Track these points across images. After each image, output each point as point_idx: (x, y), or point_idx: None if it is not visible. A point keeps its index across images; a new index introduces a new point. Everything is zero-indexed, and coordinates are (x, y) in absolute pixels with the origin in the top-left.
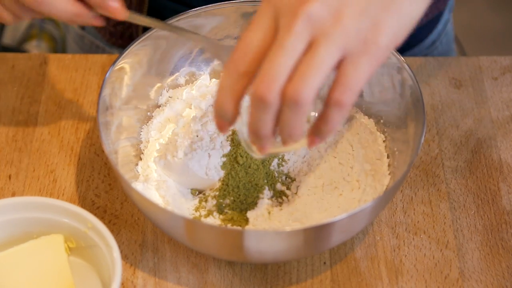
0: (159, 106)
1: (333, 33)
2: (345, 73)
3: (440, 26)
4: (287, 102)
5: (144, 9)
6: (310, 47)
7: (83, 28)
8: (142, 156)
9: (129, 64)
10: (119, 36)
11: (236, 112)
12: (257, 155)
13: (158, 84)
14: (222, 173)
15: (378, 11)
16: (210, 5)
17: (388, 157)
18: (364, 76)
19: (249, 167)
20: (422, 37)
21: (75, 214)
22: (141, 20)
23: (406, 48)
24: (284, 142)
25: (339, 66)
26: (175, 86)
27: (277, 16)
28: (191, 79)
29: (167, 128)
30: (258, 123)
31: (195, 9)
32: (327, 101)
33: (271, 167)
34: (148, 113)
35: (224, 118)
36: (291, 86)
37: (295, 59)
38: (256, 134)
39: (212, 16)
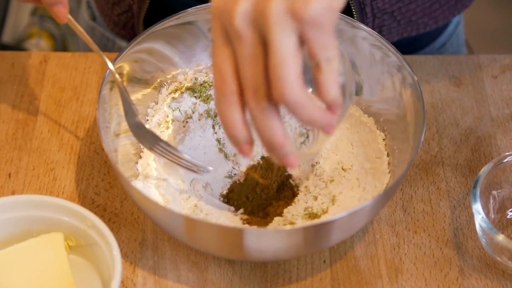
0: (158, 104)
1: (270, 22)
2: (312, 45)
3: (450, 28)
4: (284, 105)
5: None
6: (266, 40)
7: (94, 19)
8: (142, 154)
9: (129, 62)
10: (122, 26)
11: (249, 131)
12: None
13: (158, 82)
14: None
15: None
16: None
17: (388, 155)
18: (327, 38)
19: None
20: (432, 38)
21: (75, 212)
22: (77, 28)
23: (416, 49)
24: (318, 128)
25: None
26: (175, 83)
27: (225, 29)
28: (191, 76)
29: (166, 126)
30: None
31: (206, 4)
32: (313, 67)
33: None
34: (148, 111)
35: (242, 143)
36: (275, 93)
37: (259, 61)
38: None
39: None
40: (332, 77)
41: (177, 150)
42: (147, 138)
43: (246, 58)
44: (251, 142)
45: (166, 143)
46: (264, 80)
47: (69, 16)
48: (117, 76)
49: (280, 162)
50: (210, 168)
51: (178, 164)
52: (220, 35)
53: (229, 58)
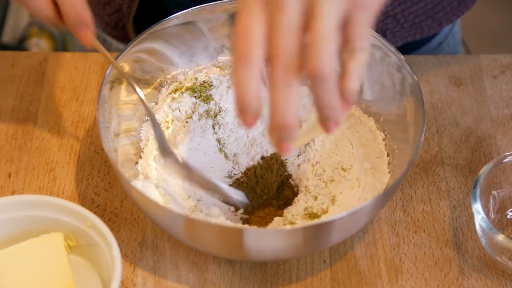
0: (158, 104)
1: None
2: (353, 26)
3: (447, 27)
4: (314, 80)
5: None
6: (309, 16)
7: None
8: (142, 154)
9: (129, 62)
10: (114, 26)
11: (260, 101)
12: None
13: (158, 82)
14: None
15: None
16: (220, 1)
17: (388, 155)
18: (368, 27)
19: (256, 171)
20: (428, 38)
21: (75, 212)
22: (101, 50)
23: (413, 48)
24: (324, 119)
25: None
26: (175, 83)
27: None
28: (191, 76)
29: (166, 126)
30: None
31: (206, 5)
32: (341, 61)
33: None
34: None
35: (249, 111)
36: (311, 66)
37: (298, 33)
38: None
39: (221, 12)
40: (359, 68)
41: (213, 182)
42: (181, 171)
43: (286, 27)
44: (257, 115)
45: (200, 175)
46: (298, 54)
47: (95, 40)
48: (142, 96)
49: (277, 145)
50: (247, 201)
51: (214, 197)
52: (254, 2)
53: (261, 25)
